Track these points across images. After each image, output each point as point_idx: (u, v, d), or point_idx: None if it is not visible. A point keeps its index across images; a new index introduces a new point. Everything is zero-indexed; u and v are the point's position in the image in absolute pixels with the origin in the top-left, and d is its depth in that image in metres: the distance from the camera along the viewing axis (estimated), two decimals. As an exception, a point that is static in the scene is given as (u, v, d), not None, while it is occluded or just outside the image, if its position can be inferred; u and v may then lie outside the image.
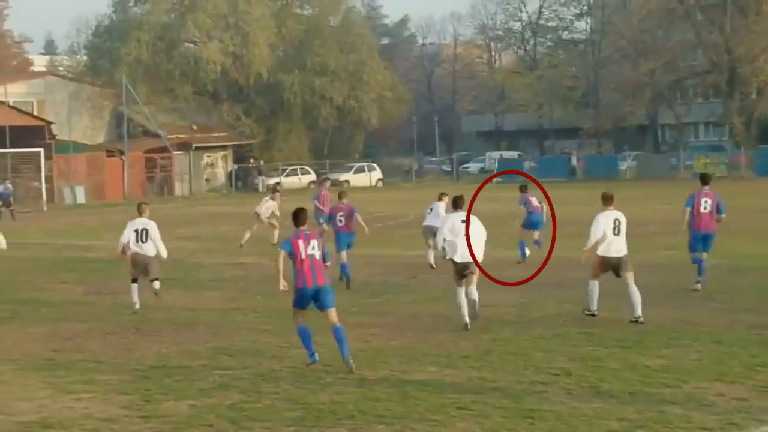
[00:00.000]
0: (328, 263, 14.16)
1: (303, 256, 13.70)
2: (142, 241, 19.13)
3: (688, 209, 20.93)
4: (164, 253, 19.46)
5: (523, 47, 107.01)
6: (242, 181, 76.37)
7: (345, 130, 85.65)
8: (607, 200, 17.39)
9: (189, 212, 42.72)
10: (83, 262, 28.38)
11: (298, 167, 77.09)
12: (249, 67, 77.79)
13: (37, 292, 22.22)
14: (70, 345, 15.95)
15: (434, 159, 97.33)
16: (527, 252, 25.59)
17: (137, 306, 19.11)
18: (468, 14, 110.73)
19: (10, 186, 48.46)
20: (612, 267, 17.17)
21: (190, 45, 79.48)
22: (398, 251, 28.15)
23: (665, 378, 12.72)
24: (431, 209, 24.45)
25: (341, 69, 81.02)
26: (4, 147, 58.56)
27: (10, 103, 63.81)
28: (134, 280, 19.29)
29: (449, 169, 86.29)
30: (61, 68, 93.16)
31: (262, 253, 28.74)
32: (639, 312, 16.57)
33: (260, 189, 71.63)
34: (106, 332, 16.99)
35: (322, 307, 13.90)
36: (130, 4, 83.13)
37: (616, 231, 17.09)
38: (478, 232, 16.82)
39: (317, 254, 13.80)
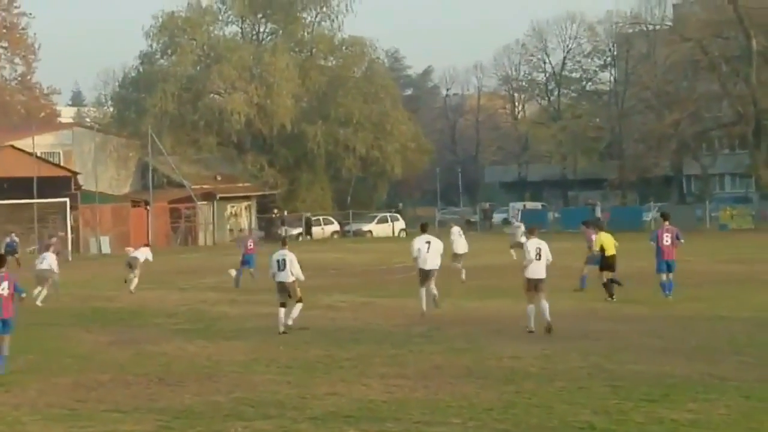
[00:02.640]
0: (24, 295, 18.98)
1: None
2: (281, 270, 22.52)
3: (653, 243, 26.85)
4: (301, 277, 22.85)
5: (546, 98, 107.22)
6: (265, 231, 76.47)
7: (368, 180, 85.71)
8: (530, 231, 23.25)
9: (213, 262, 42.77)
10: (107, 311, 28.39)
11: (321, 217, 77.21)
12: (273, 118, 78.07)
13: (61, 341, 22.22)
14: (94, 395, 15.91)
15: (457, 209, 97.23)
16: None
17: (282, 328, 22.15)
18: (491, 65, 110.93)
19: (16, 238, 48.73)
20: (534, 286, 21.67)
21: (215, 96, 79.94)
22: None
23: (692, 432, 12.59)
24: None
25: (365, 119, 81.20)
26: (31, 197, 58.88)
27: (38, 154, 64.19)
28: (282, 305, 22.57)
29: (473, 219, 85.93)
30: (88, 119, 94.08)
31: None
32: (548, 317, 21.13)
33: (284, 239, 71.58)
34: (130, 382, 16.93)
35: (3, 333, 18.09)
36: (157, 56, 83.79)
37: (538, 256, 21.78)
38: (436, 247, 24.61)
39: (6, 293, 17.98)
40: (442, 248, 25.17)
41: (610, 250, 28.03)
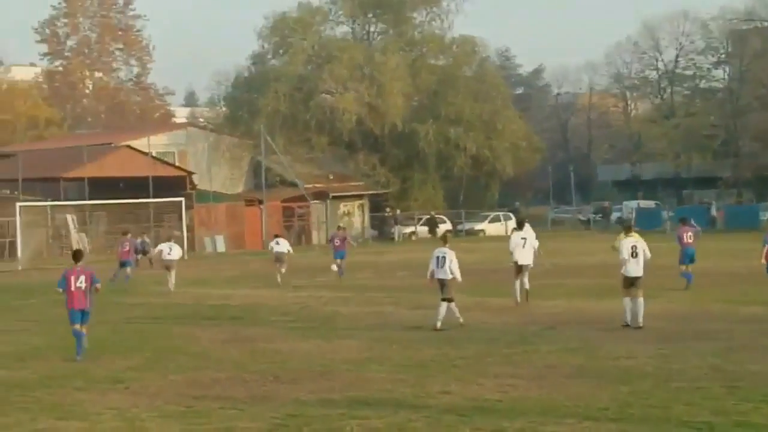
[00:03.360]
0: (99, 285, 20.06)
1: (73, 288, 19.62)
2: (440, 267, 22.77)
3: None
4: (458, 278, 22.94)
5: (659, 96, 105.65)
6: (378, 229, 76.74)
7: (480, 179, 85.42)
8: (627, 230, 23.36)
9: (326, 261, 43.04)
10: (222, 310, 28.75)
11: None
12: (384, 117, 78.19)
13: (178, 339, 22.56)
14: (210, 392, 16.10)
15: (570, 208, 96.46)
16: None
17: (439, 324, 22.45)
18: (602, 63, 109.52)
19: (147, 240, 49.55)
20: (631, 283, 22.06)
21: (327, 96, 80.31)
22: (534, 301, 27.81)
23: (814, 434, 12.32)
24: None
25: (475, 118, 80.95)
26: (147, 196, 59.94)
27: (153, 154, 65.34)
28: (443, 300, 22.86)
29: (585, 218, 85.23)
30: (201, 120, 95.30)
31: (398, 302, 28.81)
32: (641, 320, 21.70)
33: (396, 238, 71.87)
34: (245, 380, 17.11)
35: (82, 323, 19.74)
36: (268, 57, 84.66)
37: (634, 254, 22.17)
38: (531, 243, 27.24)
39: (83, 286, 19.65)
40: (537, 245, 27.81)
41: None
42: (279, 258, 37.57)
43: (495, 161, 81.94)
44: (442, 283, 22.91)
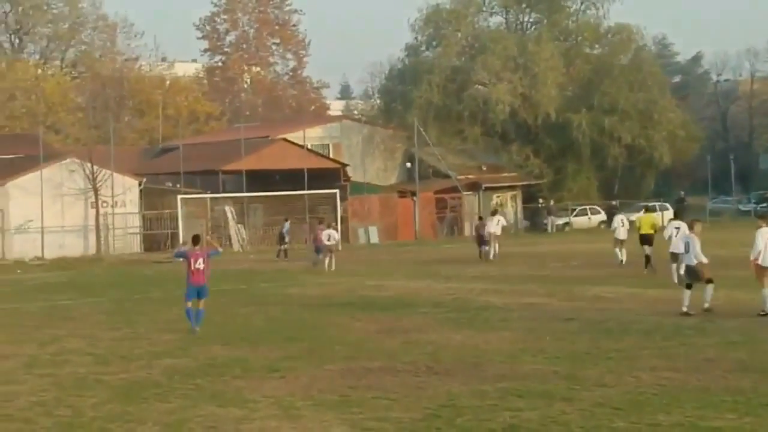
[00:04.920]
0: (221, 250, 24.47)
1: (193, 268, 22.44)
2: (686, 252, 23.77)
3: None
4: (704, 260, 23.33)
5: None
6: (530, 221, 76.21)
7: (635, 169, 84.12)
8: (761, 219, 23.33)
9: (478, 252, 43.02)
10: (375, 300, 28.91)
11: (587, 207, 76.39)
12: (537, 108, 77.74)
13: (331, 330, 22.77)
14: (364, 382, 16.19)
15: (729, 198, 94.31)
16: None
17: (685, 308, 22.79)
18: (765, 49, 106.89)
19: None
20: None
21: (480, 87, 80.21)
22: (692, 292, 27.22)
23: None
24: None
25: (631, 108, 79.77)
26: (302, 188, 60.77)
27: (309, 147, 66.17)
28: (687, 286, 23.35)
29: (747, 209, 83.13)
30: (355, 112, 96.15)
31: (552, 294, 28.58)
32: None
33: (549, 229, 71.32)
34: (398, 370, 17.15)
35: (200, 297, 22.55)
36: (422, 49, 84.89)
37: None
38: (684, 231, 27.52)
39: (201, 267, 22.41)
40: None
41: (644, 229, 34.66)
42: (487, 239, 43.84)
43: (651, 151, 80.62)
44: (690, 270, 23.56)
